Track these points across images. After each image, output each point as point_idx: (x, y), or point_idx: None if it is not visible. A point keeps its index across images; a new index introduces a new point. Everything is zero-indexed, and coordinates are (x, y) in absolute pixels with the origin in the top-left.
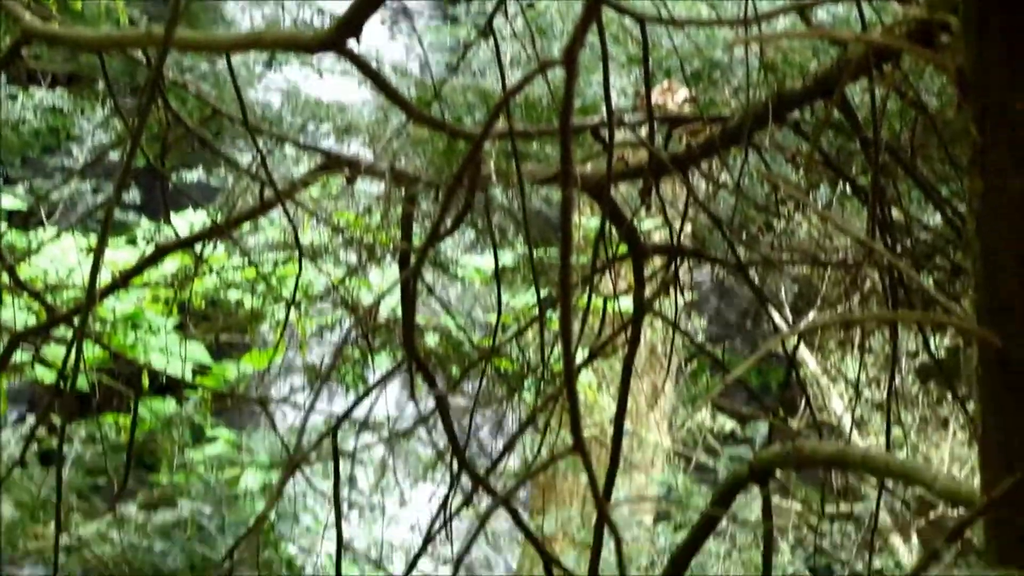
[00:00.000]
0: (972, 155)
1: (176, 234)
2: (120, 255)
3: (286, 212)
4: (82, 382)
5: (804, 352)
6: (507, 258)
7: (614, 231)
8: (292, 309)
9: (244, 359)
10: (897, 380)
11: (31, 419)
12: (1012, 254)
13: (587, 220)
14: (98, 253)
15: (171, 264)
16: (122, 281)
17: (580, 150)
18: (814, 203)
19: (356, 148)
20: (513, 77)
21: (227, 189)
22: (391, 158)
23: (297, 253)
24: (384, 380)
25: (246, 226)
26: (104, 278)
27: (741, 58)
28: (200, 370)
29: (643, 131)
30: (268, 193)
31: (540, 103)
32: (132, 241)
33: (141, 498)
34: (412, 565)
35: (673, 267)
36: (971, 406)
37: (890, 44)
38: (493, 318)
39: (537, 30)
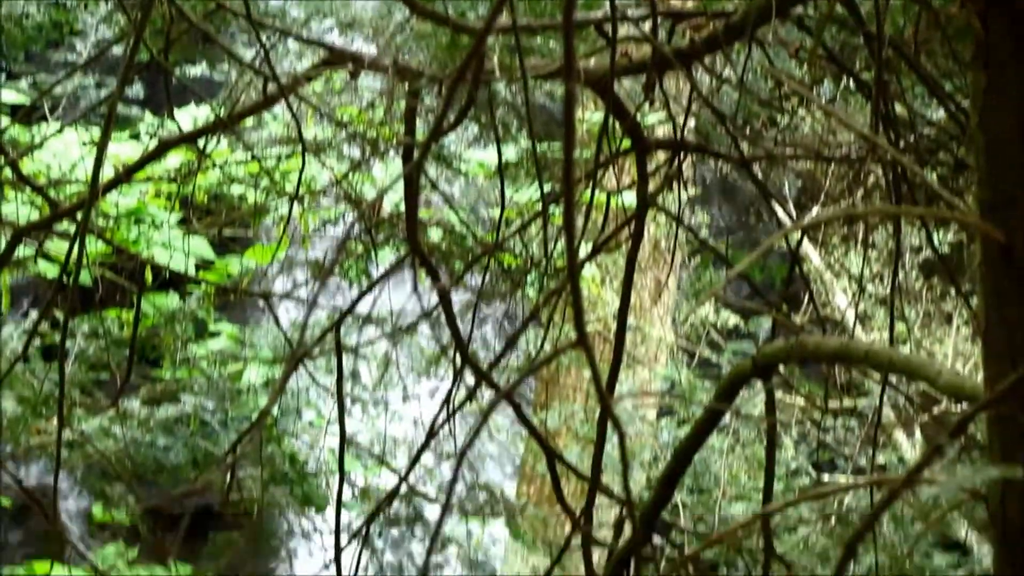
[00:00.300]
0: (975, 50)
1: (179, 129)
2: (123, 149)
3: (289, 107)
4: (85, 277)
5: (807, 247)
6: (510, 153)
7: (617, 126)
8: (295, 204)
9: (247, 254)
10: (900, 275)
11: (34, 314)
12: (1015, 148)
13: (590, 115)
14: (101, 148)
15: (174, 159)
16: (125, 176)
17: (583, 45)
18: (818, 98)
19: (359, 43)
20: None
21: (230, 84)
22: (394, 53)
23: (300, 148)
24: (387, 275)
25: (249, 121)
26: (107, 173)
27: None
28: (203, 265)
29: (647, 26)
30: (271, 88)
31: None
32: (135, 136)
33: (144, 393)
34: (415, 460)
35: (676, 162)
36: (974, 301)
37: None
38: (496, 213)
39: None
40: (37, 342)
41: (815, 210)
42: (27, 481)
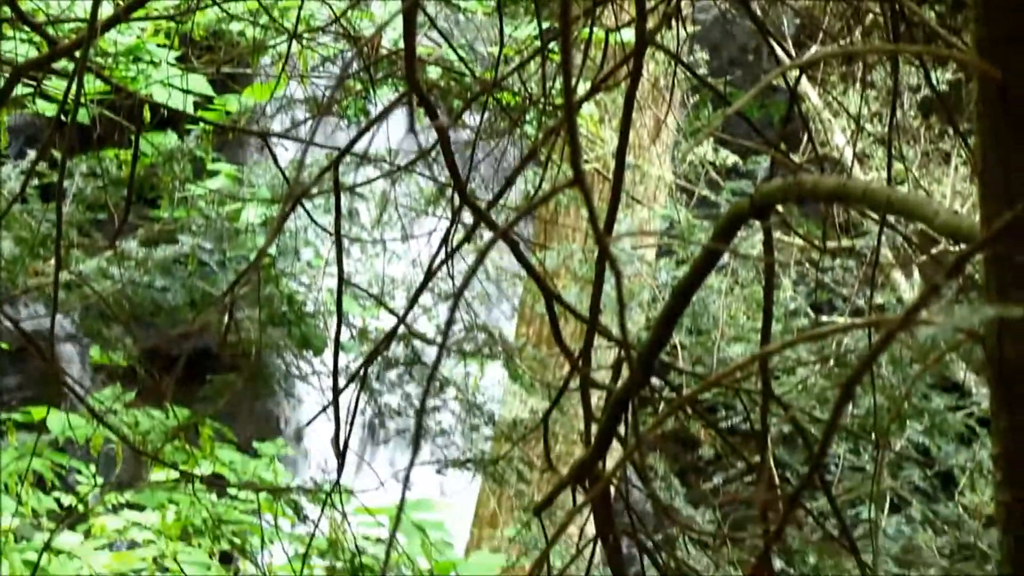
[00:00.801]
0: None
1: None
2: None
3: None
4: (83, 115)
5: (806, 85)
6: None
7: None
8: (294, 41)
9: (246, 92)
10: (899, 114)
11: (32, 154)
12: None
13: None
14: None
15: None
16: (124, 13)
17: None
18: None
19: None
20: None
21: None
22: None
23: None
24: (386, 113)
25: None
26: (106, 10)
27: None
28: (202, 103)
29: None
30: None
31: None
32: None
33: (141, 233)
34: (413, 301)
35: None
36: (972, 141)
37: None
38: (495, 50)
39: None
40: (35, 182)
41: (813, 48)
42: (24, 324)
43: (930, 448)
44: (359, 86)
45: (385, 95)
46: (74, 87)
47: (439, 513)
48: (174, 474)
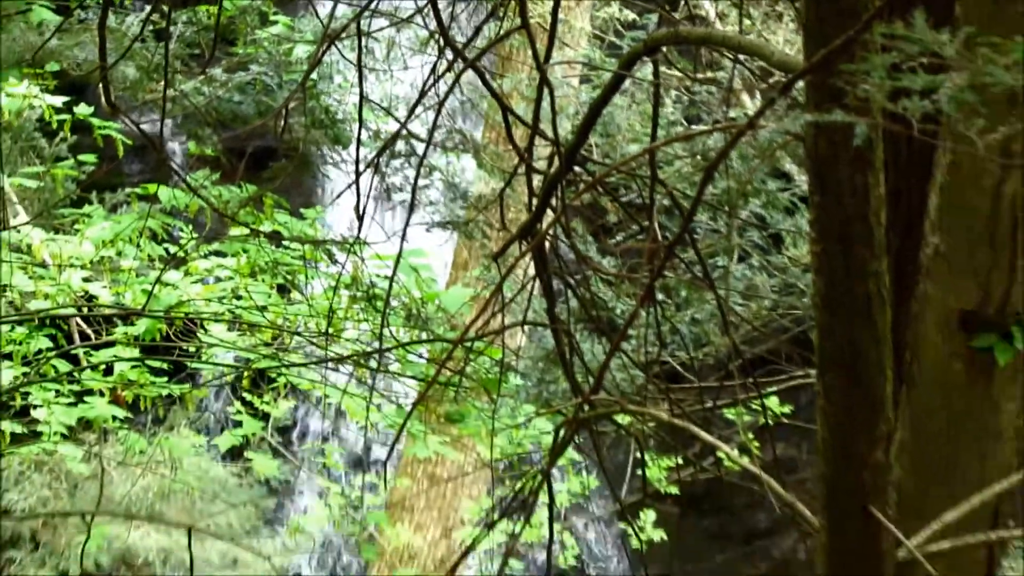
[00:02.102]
0: None
1: None
2: None
3: None
4: None
5: None
6: None
7: None
8: None
9: None
10: None
11: (147, 7)
12: None
13: None
14: None
15: None
16: None
17: None
18: None
19: None
20: None
21: None
22: None
23: None
24: None
25: None
26: None
27: None
28: None
29: None
30: None
31: None
32: None
33: (224, 64)
34: (411, 112)
35: None
36: (799, 3)
37: None
38: None
39: None
40: (150, 27)
41: None
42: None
43: (765, 216)
44: None
45: None
46: None
47: (427, 259)
48: (245, 231)
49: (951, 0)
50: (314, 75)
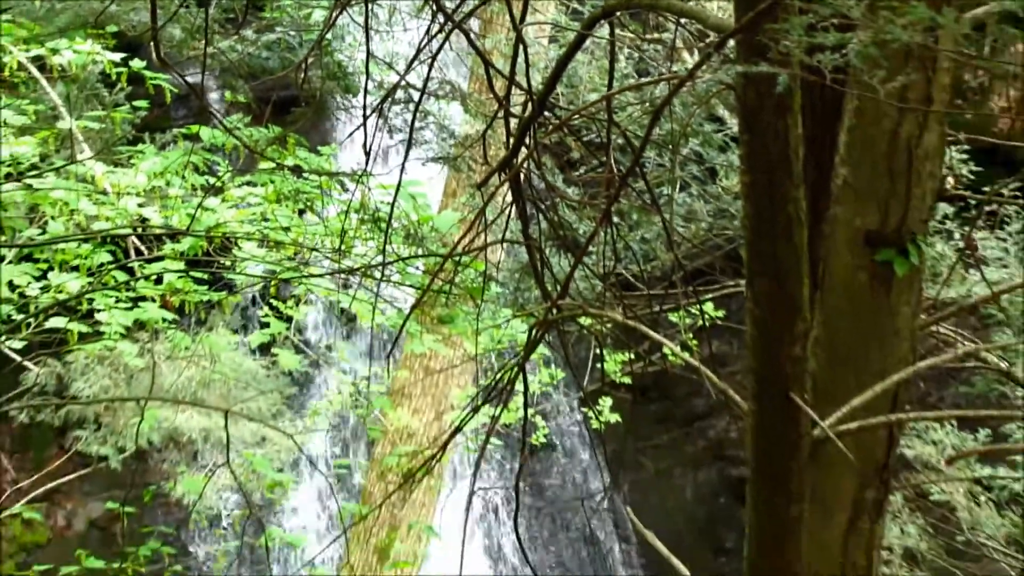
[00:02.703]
0: None
1: None
2: None
3: None
4: None
5: None
6: None
7: None
8: None
9: None
10: None
11: None
12: None
13: None
14: None
15: None
16: None
17: None
18: None
19: None
20: None
21: None
22: None
23: None
24: None
25: None
26: None
27: None
28: None
29: None
30: None
31: None
32: None
33: (254, 26)
34: (408, 66)
35: None
36: None
37: None
38: None
39: None
40: None
41: None
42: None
43: (703, 153)
44: None
45: None
46: None
47: (423, 188)
48: (272, 165)
49: None
50: (328, 35)
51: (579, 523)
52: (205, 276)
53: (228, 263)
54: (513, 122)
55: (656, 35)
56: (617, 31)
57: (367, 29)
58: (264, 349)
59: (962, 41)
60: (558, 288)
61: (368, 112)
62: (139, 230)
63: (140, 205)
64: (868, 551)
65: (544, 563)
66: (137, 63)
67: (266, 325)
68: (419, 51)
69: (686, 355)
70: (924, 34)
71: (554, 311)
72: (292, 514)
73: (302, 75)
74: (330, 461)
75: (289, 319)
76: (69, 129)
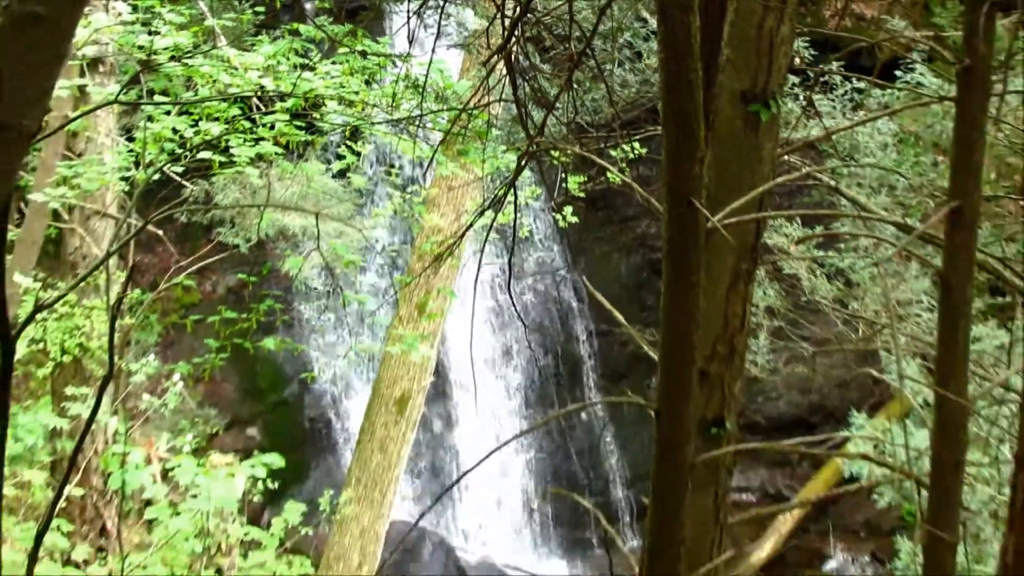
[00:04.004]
0: None
1: None
2: None
3: None
4: None
5: None
6: None
7: None
8: None
9: None
10: None
11: None
12: None
13: None
14: None
15: None
16: None
17: None
18: None
19: None
20: None
21: None
22: None
23: None
24: None
25: None
26: None
27: None
28: None
29: None
30: None
31: None
32: None
33: None
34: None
35: None
36: None
37: None
38: None
39: None
40: None
41: None
42: None
43: (632, 42)
44: None
45: None
46: None
47: (447, 65)
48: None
49: None
50: None
51: (551, 290)
52: (302, 124)
53: (318, 115)
54: (508, 21)
55: None
56: None
57: None
58: (342, 173)
59: None
60: (537, 131)
61: (410, 14)
62: (258, 93)
63: (260, 76)
64: (743, 304)
65: (527, 314)
66: None
67: (342, 157)
68: None
69: (622, 176)
70: None
71: (534, 146)
72: (361, 283)
73: None
74: (387, 247)
75: (357, 154)
76: (212, 26)
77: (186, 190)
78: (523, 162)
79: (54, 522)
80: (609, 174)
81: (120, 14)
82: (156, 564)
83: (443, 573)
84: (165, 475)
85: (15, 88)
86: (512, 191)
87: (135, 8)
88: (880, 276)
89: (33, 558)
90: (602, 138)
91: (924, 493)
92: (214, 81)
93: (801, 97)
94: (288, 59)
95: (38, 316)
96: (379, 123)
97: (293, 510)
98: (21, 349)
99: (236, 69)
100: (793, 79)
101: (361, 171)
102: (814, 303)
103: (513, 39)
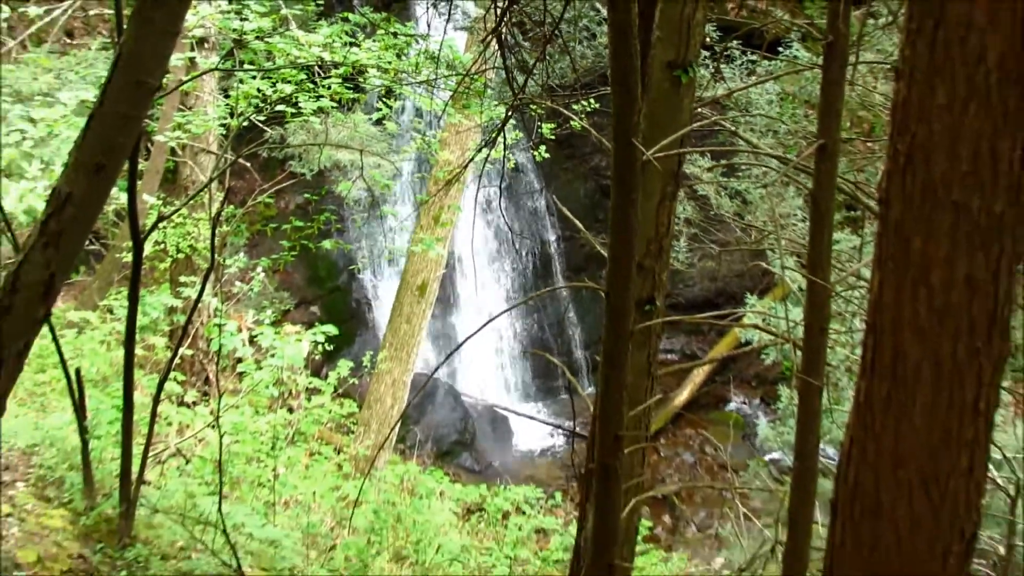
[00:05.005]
0: None
1: None
2: None
3: None
4: None
5: None
6: None
7: None
8: None
9: None
10: None
11: None
12: None
13: None
14: None
15: None
16: None
17: None
18: None
19: None
20: None
21: None
22: None
23: None
24: None
25: None
26: None
27: None
28: None
29: None
30: None
31: None
32: None
33: None
34: None
35: None
36: None
37: None
38: None
39: None
40: None
41: None
42: None
43: (589, 26)
44: None
45: None
46: None
47: (456, 42)
48: (383, 31)
49: None
50: None
51: (529, 204)
52: (351, 85)
53: (362, 79)
54: (499, 10)
55: None
56: None
57: None
58: (379, 121)
59: None
60: (520, 90)
61: (428, 5)
62: (319, 63)
63: (320, 51)
64: (668, 216)
65: (512, 222)
66: None
67: (380, 109)
68: None
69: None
70: None
71: (518, 101)
72: (393, 203)
73: None
74: (412, 175)
75: (390, 107)
76: (285, 14)
77: (266, 133)
78: (509, 113)
79: (171, 374)
80: (572, 122)
81: (219, 4)
82: (244, 404)
83: (452, 411)
84: (251, 340)
85: (145, 55)
86: (502, 134)
87: (230, 0)
88: (767, 196)
89: (156, 400)
90: (567, 96)
91: (799, 353)
92: (287, 54)
93: (711, 66)
94: (340, 38)
95: (160, 224)
96: (406, 84)
97: (343, 366)
98: (148, 248)
99: (303, 45)
100: (705, 53)
101: (393, 119)
102: (719, 216)
103: (503, 23)
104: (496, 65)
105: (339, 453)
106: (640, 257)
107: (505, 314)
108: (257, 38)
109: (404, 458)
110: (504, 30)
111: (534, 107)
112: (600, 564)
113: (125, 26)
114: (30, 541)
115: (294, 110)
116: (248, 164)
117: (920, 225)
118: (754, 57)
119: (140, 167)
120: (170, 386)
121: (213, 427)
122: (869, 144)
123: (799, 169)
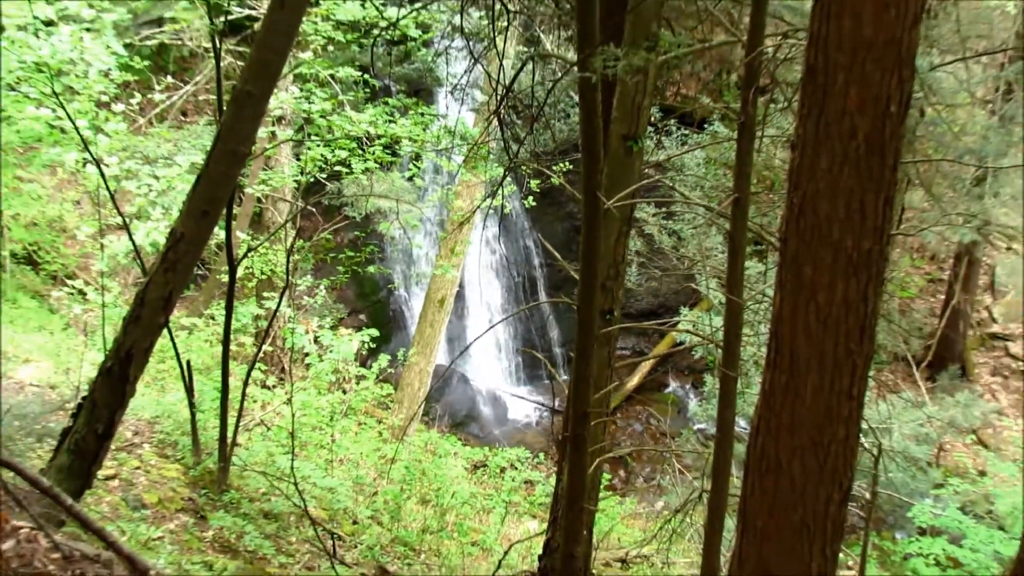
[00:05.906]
0: None
1: None
2: None
3: None
4: None
5: None
6: None
7: None
8: None
9: None
10: None
11: None
12: None
13: None
14: None
15: None
16: None
17: None
18: None
19: None
20: None
21: None
22: None
23: None
24: None
25: None
26: None
27: None
28: None
29: None
30: None
31: None
32: None
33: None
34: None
35: None
36: None
37: None
38: None
39: None
40: None
41: None
42: None
43: (566, 109)
44: None
45: None
46: None
47: (468, 120)
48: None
49: None
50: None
51: (521, 241)
52: (390, 151)
53: (398, 147)
54: (498, 97)
55: None
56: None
57: (446, 57)
58: (410, 178)
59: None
60: (514, 155)
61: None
62: (366, 135)
63: (367, 126)
64: (623, 249)
65: (509, 254)
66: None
67: (410, 169)
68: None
69: (560, 179)
70: (643, 57)
71: (513, 163)
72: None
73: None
74: (433, 219)
75: (419, 167)
76: (341, 99)
77: (327, 187)
78: (506, 172)
79: (256, 365)
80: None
81: (293, 92)
82: (309, 387)
83: (463, 393)
84: (315, 340)
85: (239, 130)
86: (501, 188)
87: (301, 89)
88: (696, 234)
89: (245, 383)
90: (549, 159)
91: (719, 351)
92: (343, 128)
93: (655, 138)
94: (382, 117)
95: (249, 254)
96: (430, 151)
97: (383, 359)
98: (240, 271)
99: (354, 122)
100: (650, 128)
101: (420, 177)
102: (661, 248)
103: (501, 106)
104: (496, 137)
105: (380, 424)
106: (602, 279)
107: (503, 322)
108: (321, 116)
109: (428, 427)
110: (502, 111)
111: (525, 168)
112: (574, 507)
113: (224, 108)
114: (153, 487)
115: (347, 170)
116: (313, 210)
117: (810, 257)
118: (687, 131)
119: (234, 212)
120: (256, 373)
121: (287, 404)
122: (771, 196)
123: (720, 215)
